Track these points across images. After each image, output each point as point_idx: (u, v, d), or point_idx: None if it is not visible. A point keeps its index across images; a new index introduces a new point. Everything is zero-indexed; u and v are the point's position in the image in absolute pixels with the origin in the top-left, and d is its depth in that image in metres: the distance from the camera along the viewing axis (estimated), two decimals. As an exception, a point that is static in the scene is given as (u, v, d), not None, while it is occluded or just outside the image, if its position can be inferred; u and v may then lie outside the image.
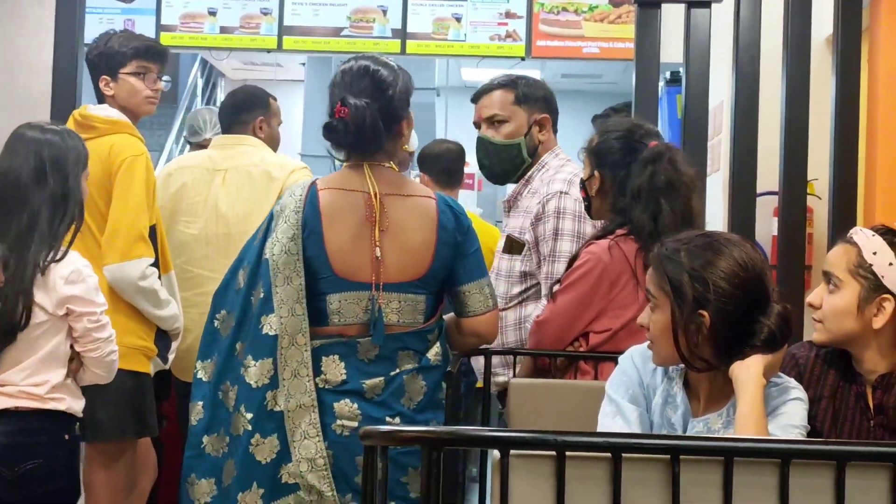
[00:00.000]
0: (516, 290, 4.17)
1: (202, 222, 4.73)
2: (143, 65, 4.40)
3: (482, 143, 4.35)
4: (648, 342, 2.82)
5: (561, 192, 4.12)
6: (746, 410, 2.63)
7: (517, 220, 4.25)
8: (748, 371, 2.67)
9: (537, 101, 4.35)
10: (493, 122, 4.33)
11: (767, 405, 2.69)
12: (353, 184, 3.41)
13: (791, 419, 2.72)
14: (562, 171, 4.26)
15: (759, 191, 4.83)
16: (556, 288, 3.77)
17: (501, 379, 4.03)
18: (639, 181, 3.60)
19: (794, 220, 4.61)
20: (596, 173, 3.80)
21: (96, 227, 4.04)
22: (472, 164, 7.80)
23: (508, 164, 4.33)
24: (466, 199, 9.90)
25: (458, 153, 6.02)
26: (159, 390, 4.80)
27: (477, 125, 4.40)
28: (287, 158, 4.90)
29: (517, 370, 3.93)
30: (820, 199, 5.33)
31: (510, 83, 4.37)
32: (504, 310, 4.14)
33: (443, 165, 5.95)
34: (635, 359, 2.89)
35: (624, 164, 3.71)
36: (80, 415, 3.54)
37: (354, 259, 3.35)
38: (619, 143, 3.77)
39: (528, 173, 4.32)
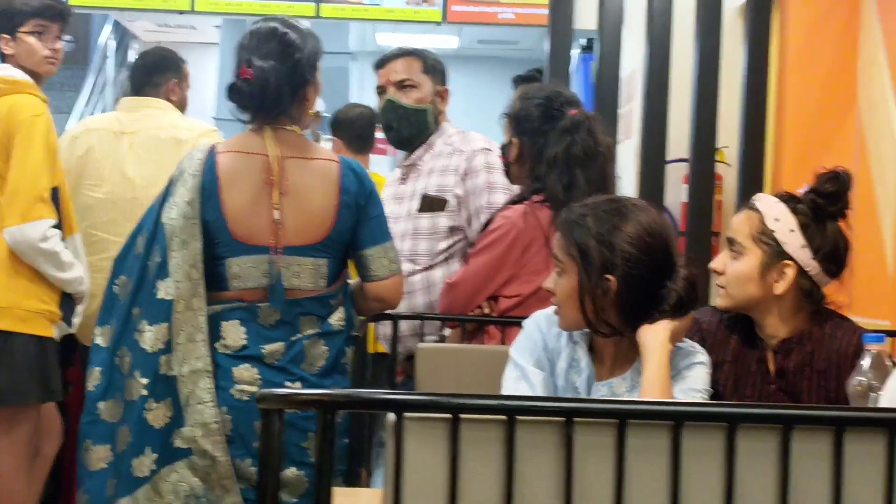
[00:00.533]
0: (443, 245, 4.16)
1: (108, 186, 4.66)
2: (42, 24, 4.31)
3: (392, 106, 4.33)
4: (554, 307, 2.82)
5: (485, 149, 4.15)
6: (652, 374, 2.65)
7: (427, 180, 4.24)
8: (656, 336, 2.69)
9: (439, 73, 4.39)
10: (403, 86, 4.32)
11: (672, 369, 2.71)
12: (253, 147, 3.37)
13: (694, 383, 2.74)
14: (469, 133, 4.29)
15: (669, 158, 4.86)
16: (470, 251, 3.77)
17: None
18: (555, 150, 3.60)
19: (703, 188, 4.65)
20: (514, 139, 3.80)
21: None
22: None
23: (416, 129, 4.33)
24: (381, 164, 9.86)
25: (371, 118, 5.98)
26: (65, 355, 4.74)
27: (381, 90, 4.38)
28: (196, 122, 4.84)
29: (447, 334, 3.92)
30: (730, 166, 5.36)
31: (418, 52, 4.40)
32: (430, 268, 4.13)
33: (356, 131, 5.92)
34: (540, 323, 2.88)
35: (542, 132, 3.71)
36: None
37: (253, 222, 3.32)
38: (538, 111, 3.77)
39: (429, 139, 4.33)
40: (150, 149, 4.60)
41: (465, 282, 3.73)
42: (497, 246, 3.67)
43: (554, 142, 3.62)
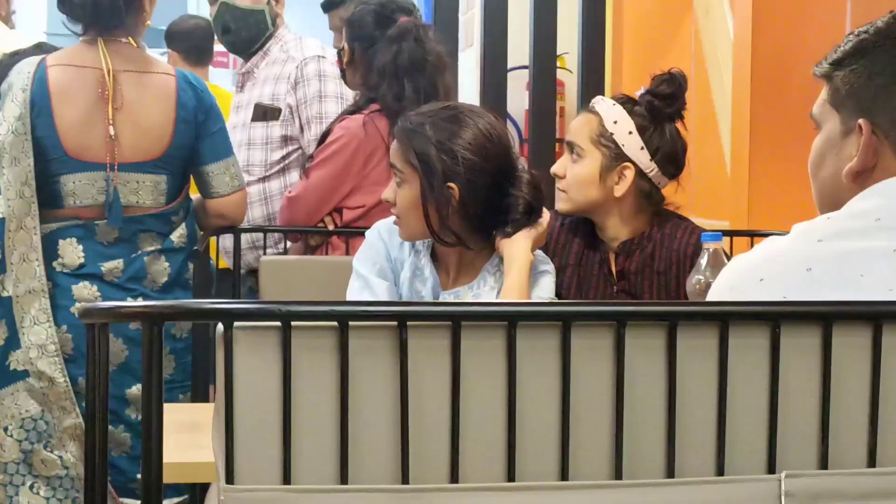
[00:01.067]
0: (277, 155, 4.11)
1: None
2: None
3: (227, 8, 4.23)
4: (394, 217, 2.80)
5: (319, 56, 4.09)
6: (513, 284, 2.66)
7: (262, 88, 4.18)
8: (518, 246, 2.70)
9: None
10: None
11: None
12: (86, 60, 3.27)
13: (542, 291, 2.76)
14: (305, 39, 4.23)
15: (510, 65, 4.86)
16: (308, 164, 3.72)
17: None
18: (383, 58, 3.57)
19: (545, 94, 4.66)
20: (346, 45, 3.75)
21: None
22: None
23: (254, 30, 4.25)
24: (222, 77, 9.68)
25: (208, 29, 5.84)
26: None
27: None
28: (28, 38, 4.68)
29: (289, 247, 3.89)
30: (571, 72, 5.39)
31: None
32: (265, 178, 4.08)
33: (193, 42, 5.79)
34: (382, 233, 2.86)
35: (374, 38, 3.67)
36: None
37: (87, 138, 3.23)
38: (371, 17, 3.73)
39: (266, 45, 4.25)
40: None
41: (306, 195, 3.69)
42: (338, 157, 3.63)
43: (382, 50, 3.59)
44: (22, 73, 3.27)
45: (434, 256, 2.83)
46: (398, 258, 2.84)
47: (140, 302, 3.23)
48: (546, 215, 2.81)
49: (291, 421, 1.41)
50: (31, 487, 3.22)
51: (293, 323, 1.40)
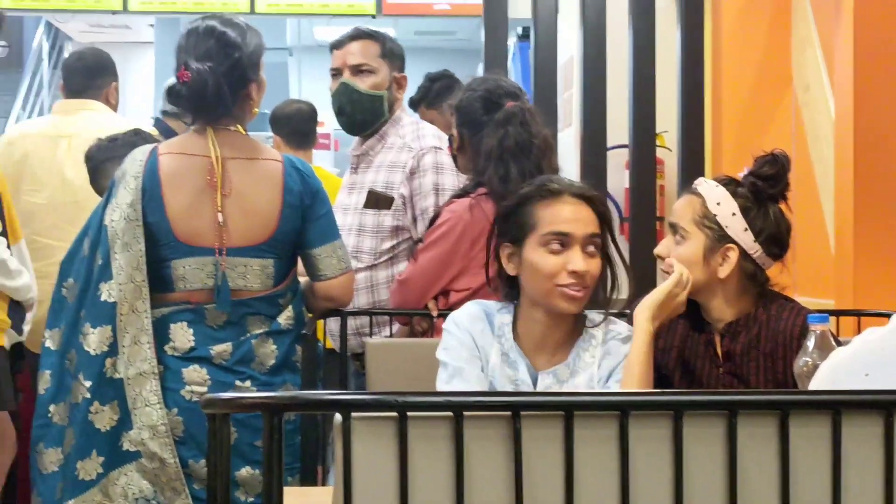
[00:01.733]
0: (387, 244, 4.12)
1: (49, 191, 4.64)
2: None
3: (346, 90, 4.21)
4: (478, 304, 2.84)
5: (435, 148, 4.10)
6: (630, 362, 2.74)
7: (376, 174, 4.17)
8: (637, 316, 2.79)
9: (398, 58, 4.28)
10: (360, 70, 4.19)
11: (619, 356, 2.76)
12: (195, 148, 3.35)
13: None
14: (423, 127, 4.24)
15: (610, 144, 4.88)
16: (418, 247, 3.76)
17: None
18: (490, 142, 3.61)
19: (645, 172, 4.67)
20: (455, 131, 3.80)
21: None
22: (327, 124, 7.69)
23: (370, 115, 4.23)
24: (323, 160, 9.82)
25: (310, 113, 5.94)
26: (14, 363, 4.70)
27: (335, 72, 4.26)
28: (134, 123, 4.80)
29: (394, 331, 3.91)
30: (670, 150, 5.39)
31: (377, 35, 4.28)
32: (373, 266, 4.11)
33: (294, 126, 5.87)
34: (462, 322, 2.85)
35: (482, 124, 3.71)
36: None
37: (197, 224, 3.30)
38: (479, 103, 3.77)
39: (383, 129, 4.26)
40: None
41: (415, 278, 3.72)
42: (445, 240, 3.66)
43: (489, 134, 3.62)
44: (135, 161, 3.36)
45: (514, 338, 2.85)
46: (483, 345, 2.84)
47: (248, 385, 3.28)
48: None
49: (408, 510, 1.44)
50: (144, 567, 3.27)
51: (409, 413, 1.43)
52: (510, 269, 2.81)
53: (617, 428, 1.44)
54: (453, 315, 2.88)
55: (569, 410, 1.44)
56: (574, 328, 2.84)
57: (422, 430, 1.44)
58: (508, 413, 1.44)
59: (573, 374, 2.77)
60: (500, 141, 3.58)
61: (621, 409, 1.45)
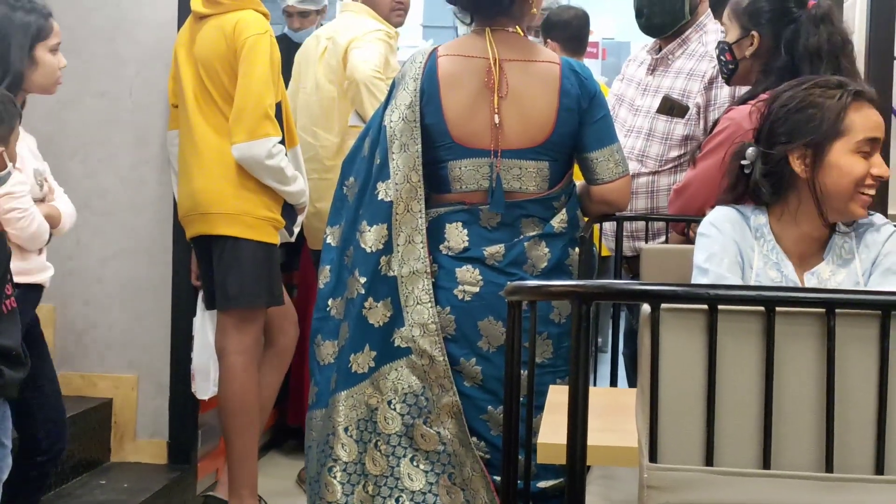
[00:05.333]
0: (674, 153, 4.06)
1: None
2: None
3: None
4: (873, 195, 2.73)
5: None
6: None
7: (674, 81, 4.10)
8: None
9: None
10: None
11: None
12: (473, 50, 3.36)
13: None
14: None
15: None
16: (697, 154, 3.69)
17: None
18: (815, 41, 3.47)
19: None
20: (755, 33, 3.64)
21: (224, 103, 4.07)
22: (595, 33, 7.60)
23: (669, 16, 4.14)
24: (590, 68, 9.75)
25: (585, 19, 5.93)
26: (288, 261, 4.88)
27: None
28: (362, 27, 4.82)
29: (670, 239, 3.87)
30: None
31: None
32: (657, 172, 4.06)
33: (572, 31, 5.86)
34: (720, 224, 2.76)
35: (782, 23, 3.57)
36: None
37: (473, 126, 3.32)
38: (769, 4, 3.63)
39: (685, 33, 4.18)
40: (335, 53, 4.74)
41: (693, 185, 3.66)
42: (724, 148, 3.58)
43: (807, 33, 3.48)
44: (415, 63, 3.40)
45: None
46: (744, 248, 2.74)
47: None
48: None
49: (715, 403, 1.43)
50: (412, 460, 3.34)
51: (720, 307, 1.41)
52: (800, 172, 2.71)
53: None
54: (709, 218, 2.80)
55: (886, 310, 1.40)
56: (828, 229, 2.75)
57: (731, 324, 1.42)
58: (822, 310, 1.41)
59: (833, 273, 2.69)
60: (829, 39, 3.44)
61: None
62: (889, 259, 2.70)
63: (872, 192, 2.67)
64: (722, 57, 3.68)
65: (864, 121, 2.69)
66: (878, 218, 2.76)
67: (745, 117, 3.54)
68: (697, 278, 2.73)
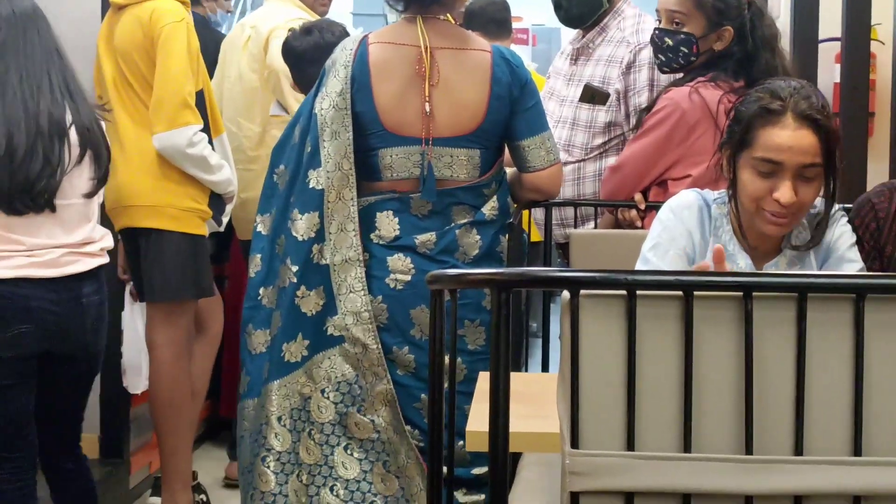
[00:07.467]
0: (598, 140, 4.08)
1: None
2: None
3: None
4: (784, 219, 2.59)
5: None
6: None
7: (594, 69, 4.13)
8: None
9: None
10: None
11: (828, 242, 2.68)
12: (404, 37, 3.36)
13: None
14: (644, 21, 4.13)
15: (820, 37, 4.72)
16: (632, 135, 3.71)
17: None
18: (769, 31, 3.57)
19: (857, 67, 4.50)
20: (729, 27, 3.64)
21: (144, 93, 4.02)
22: (525, 20, 7.60)
23: (587, 6, 4.15)
24: (521, 55, 9.76)
25: (501, 3, 5.93)
26: (217, 252, 4.83)
27: None
28: (284, 17, 4.79)
29: (598, 223, 3.88)
30: (883, 44, 5.19)
31: None
32: (582, 161, 4.08)
33: (489, 15, 5.86)
34: (678, 211, 2.72)
35: (743, 16, 3.62)
36: None
37: (404, 114, 3.32)
38: None
39: (604, 21, 4.19)
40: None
41: (629, 163, 3.68)
42: (661, 127, 3.60)
43: (762, 23, 3.57)
44: (345, 50, 3.38)
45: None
46: (698, 239, 2.70)
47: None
48: None
49: (636, 389, 1.43)
50: (346, 448, 3.34)
51: (638, 292, 1.42)
52: (726, 172, 2.68)
53: (852, 312, 1.41)
54: (669, 202, 2.77)
55: (802, 292, 1.41)
56: None
57: (650, 309, 1.43)
58: (740, 294, 1.41)
59: (790, 265, 2.67)
60: (770, 28, 3.54)
61: (857, 292, 1.41)
62: (840, 246, 2.68)
63: (782, 220, 2.55)
64: (683, 49, 3.67)
65: (767, 139, 2.55)
66: (837, 212, 2.72)
67: (685, 97, 3.57)
68: (638, 265, 2.72)
